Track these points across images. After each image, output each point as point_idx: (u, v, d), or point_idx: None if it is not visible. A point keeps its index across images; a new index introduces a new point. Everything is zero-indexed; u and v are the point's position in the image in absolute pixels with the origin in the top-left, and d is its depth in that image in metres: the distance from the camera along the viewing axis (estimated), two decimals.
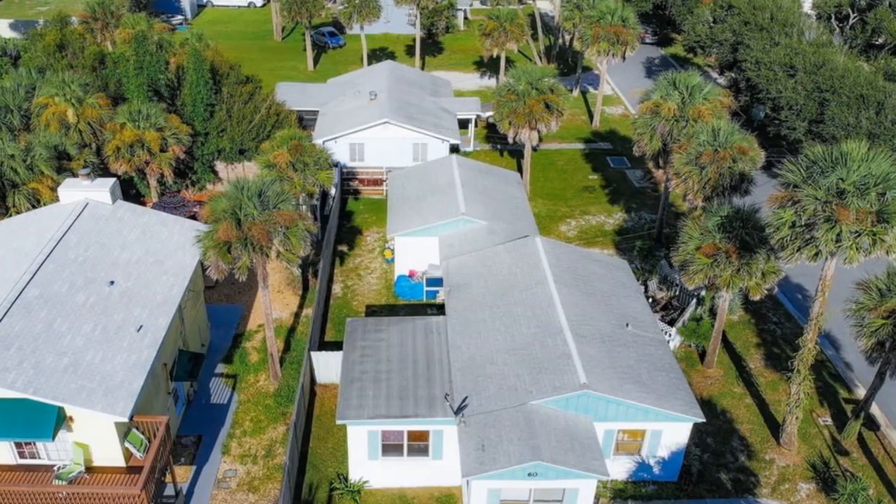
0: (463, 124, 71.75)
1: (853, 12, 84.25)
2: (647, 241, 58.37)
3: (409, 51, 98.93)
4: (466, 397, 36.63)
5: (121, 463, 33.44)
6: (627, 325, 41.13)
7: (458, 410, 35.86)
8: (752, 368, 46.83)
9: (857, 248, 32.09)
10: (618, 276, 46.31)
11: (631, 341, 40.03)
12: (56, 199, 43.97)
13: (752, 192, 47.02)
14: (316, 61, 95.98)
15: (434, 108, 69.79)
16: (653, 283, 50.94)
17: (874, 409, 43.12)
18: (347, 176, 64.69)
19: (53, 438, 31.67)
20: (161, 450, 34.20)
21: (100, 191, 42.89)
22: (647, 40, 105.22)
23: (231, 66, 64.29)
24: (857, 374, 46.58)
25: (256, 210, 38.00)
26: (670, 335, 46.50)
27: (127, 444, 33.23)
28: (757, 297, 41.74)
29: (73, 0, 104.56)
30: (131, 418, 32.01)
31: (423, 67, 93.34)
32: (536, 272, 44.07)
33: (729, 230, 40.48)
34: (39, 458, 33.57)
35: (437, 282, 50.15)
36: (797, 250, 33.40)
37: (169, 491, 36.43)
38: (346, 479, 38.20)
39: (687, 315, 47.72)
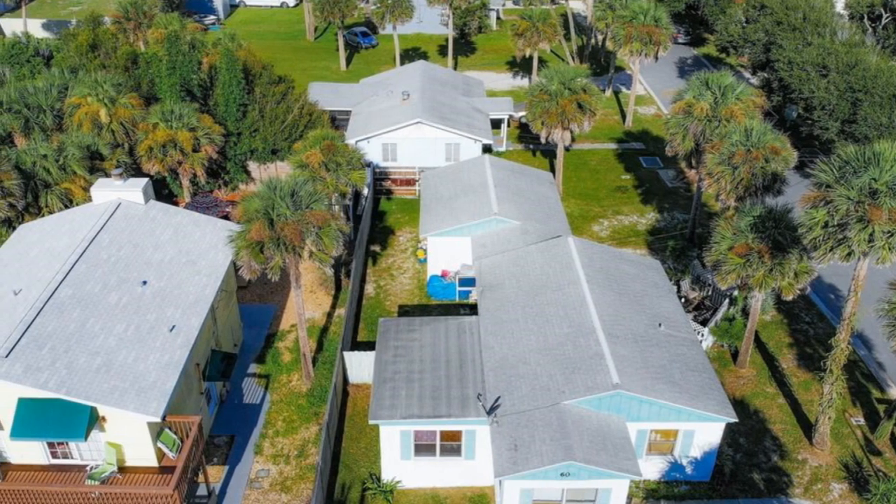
0: (495, 124, 71.75)
1: (886, 12, 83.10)
2: (680, 241, 58.05)
3: (442, 51, 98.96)
4: (499, 397, 36.58)
5: (153, 463, 33.67)
6: (660, 325, 40.92)
7: (491, 410, 35.82)
8: (784, 368, 46.46)
9: (889, 248, 31.94)
10: (650, 276, 46.08)
11: (663, 341, 39.82)
12: (88, 199, 44.39)
13: (785, 192, 46.66)
14: (348, 61, 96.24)
15: (466, 108, 69.72)
16: (685, 283, 50.64)
17: None
18: (380, 176, 64.83)
19: (86, 438, 31.92)
20: (194, 450, 34.40)
21: (132, 191, 43.20)
22: (680, 40, 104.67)
23: (264, 66, 64.46)
24: (889, 374, 46.13)
25: (289, 210, 38.10)
26: (703, 335, 46.23)
27: (159, 444, 33.45)
28: (789, 297, 41.36)
29: (105, 0, 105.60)
30: (164, 418, 32.20)
31: (455, 67, 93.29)
32: (569, 272, 43.93)
33: (761, 230, 40.19)
34: (72, 457, 33.88)
35: (469, 282, 50.17)
36: (830, 250, 33.27)
37: (201, 491, 36.71)
38: (378, 479, 38.31)
39: (719, 315, 47.40)
